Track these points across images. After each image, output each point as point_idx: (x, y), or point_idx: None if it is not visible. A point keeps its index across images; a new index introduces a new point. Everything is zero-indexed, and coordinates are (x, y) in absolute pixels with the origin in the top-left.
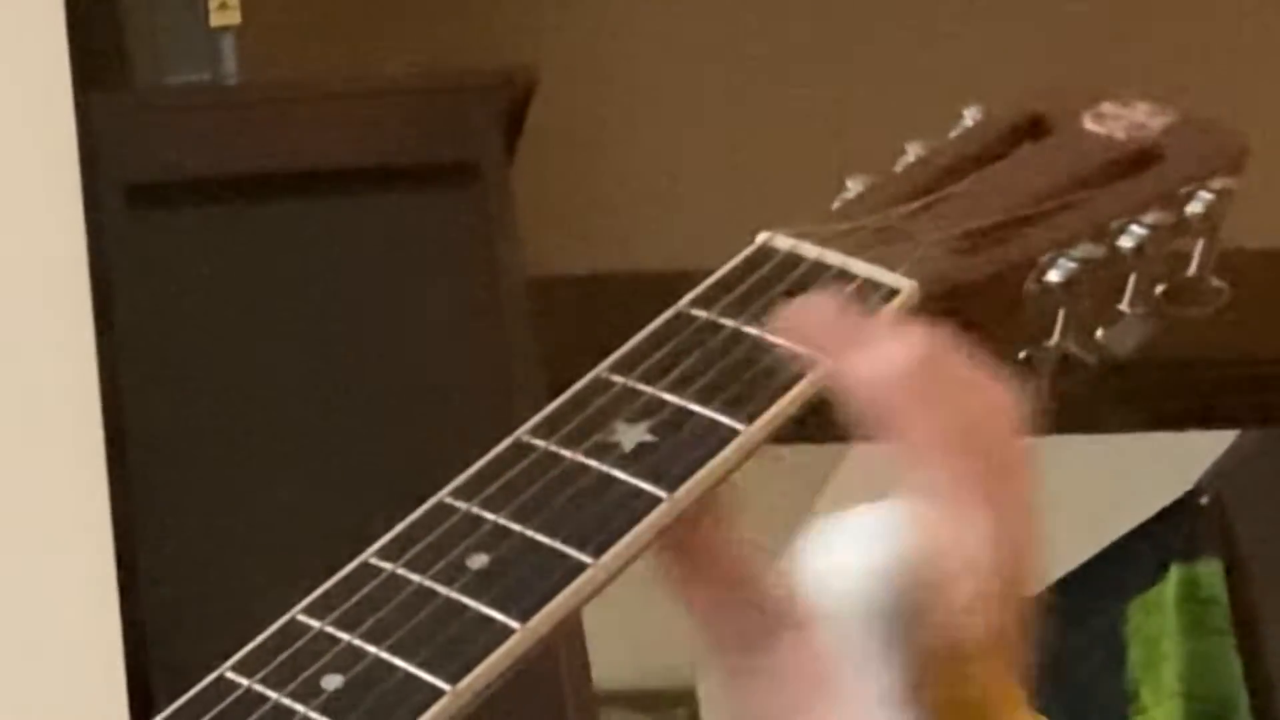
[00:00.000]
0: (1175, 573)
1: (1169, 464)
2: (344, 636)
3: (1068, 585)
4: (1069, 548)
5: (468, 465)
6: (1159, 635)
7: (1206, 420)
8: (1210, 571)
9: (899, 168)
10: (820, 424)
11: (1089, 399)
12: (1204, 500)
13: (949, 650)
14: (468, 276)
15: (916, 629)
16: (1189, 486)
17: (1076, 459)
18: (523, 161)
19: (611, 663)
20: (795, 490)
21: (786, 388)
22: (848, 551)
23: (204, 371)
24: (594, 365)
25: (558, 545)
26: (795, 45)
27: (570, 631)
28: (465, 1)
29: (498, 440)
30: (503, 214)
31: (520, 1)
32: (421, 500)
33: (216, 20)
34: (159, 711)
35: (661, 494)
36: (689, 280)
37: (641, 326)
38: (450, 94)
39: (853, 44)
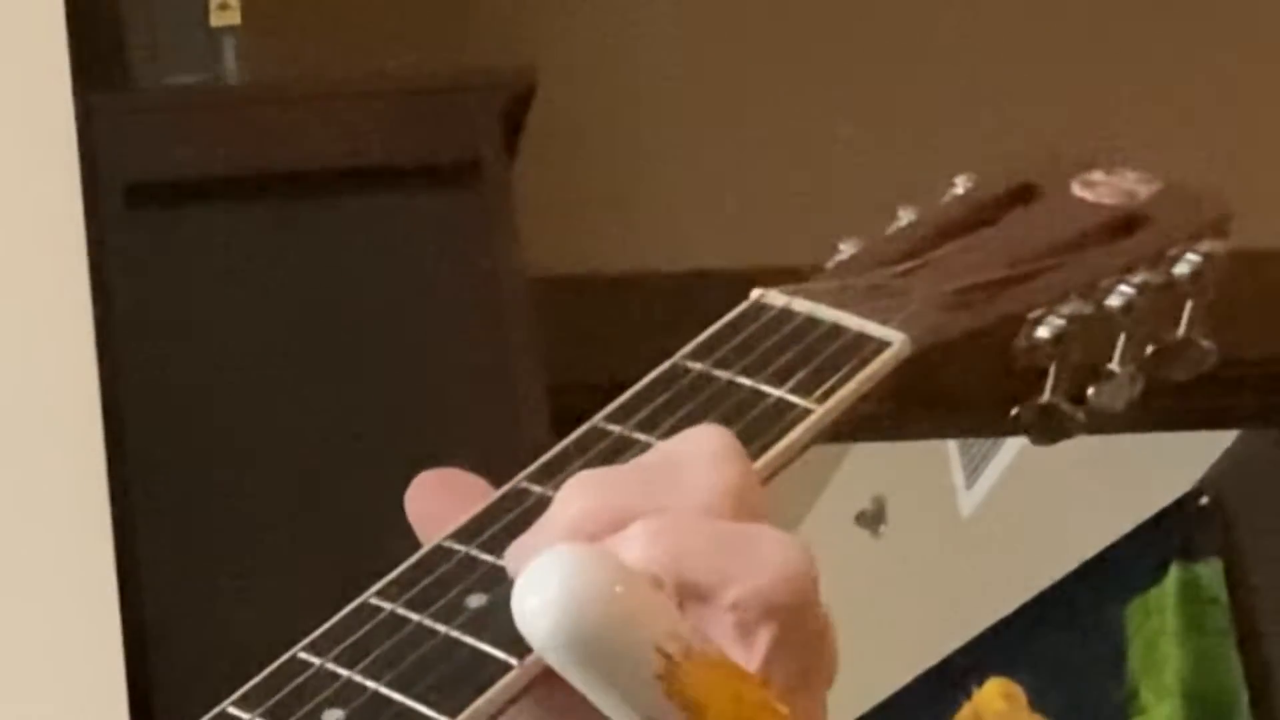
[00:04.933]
0: (1175, 573)
1: (1169, 464)
2: (344, 672)
3: (1068, 585)
4: (1069, 548)
5: (467, 463)
6: (1159, 635)
7: (1206, 420)
8: (1210, 571)
9: (891, 231)
10: None
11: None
12: (1204, 500)
13: (649, 676)
14: (468, 276)
15: (605, 653)
16: (1189, 486)
17: (1077, 459)
18: (523, 161)
19: None
20: (796, 491)
21: (781, 435)
22: (528, 594)
23: (204, 371)
24: (594, 365)
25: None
26: (796, 46)
27: None
28: (465, 1)
29: (498, 439)
30: (503, 214)
31: (520, 1)
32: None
33: (216, 20)
34: (158, 714)
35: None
36: (689, 280)
37: (641, 326)
38: (450, 94)
39: (854, 45)
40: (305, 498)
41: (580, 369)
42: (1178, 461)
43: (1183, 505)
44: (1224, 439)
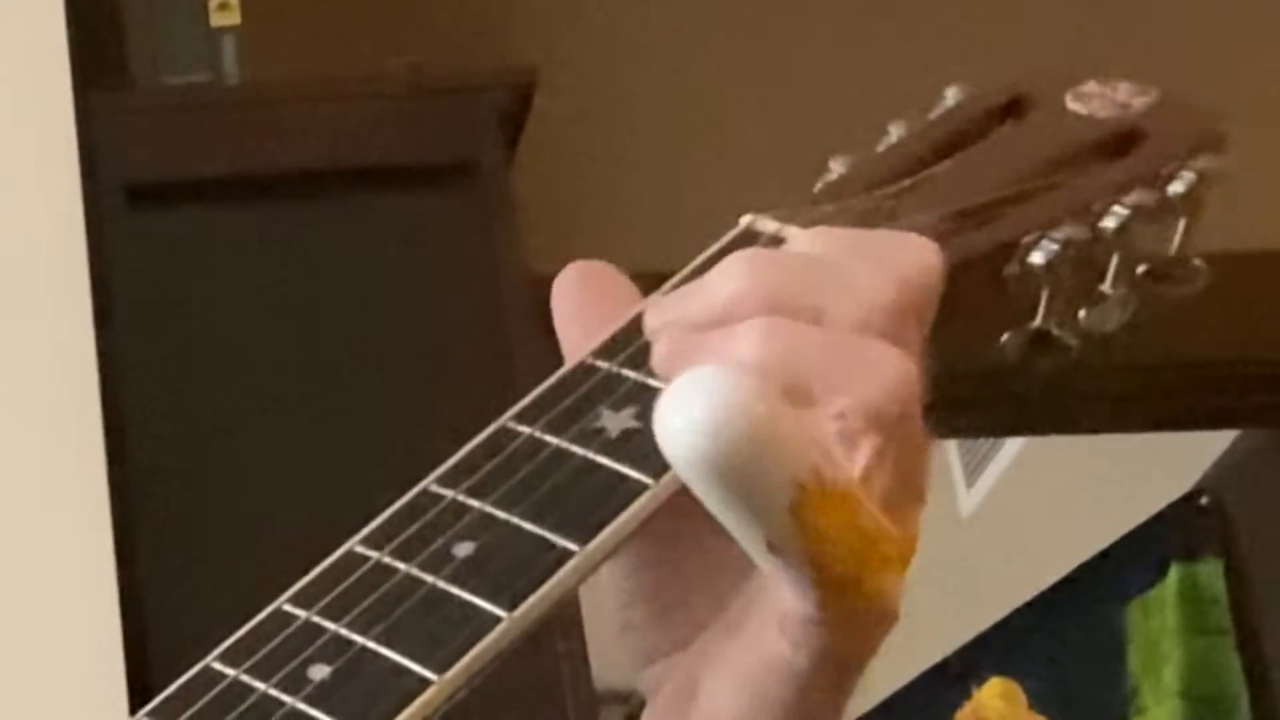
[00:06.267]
0: (1175, 573)
1: (1169, 464)
2: (330, 626)
3: (1068, 585)
4: (1069, 548)
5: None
6: (1159, 635)
7: (1206, 420)
8: (1210, 571)
9: (881, 148)
10: None
11: (1091, 399)
12: (1204, 500)
13: (797, 492)
14: (468, 276)
15: (745, 478)
16: (1189, 486)
17: (1077, 459)
18: (523, 161)
19: (611, 663)
20: None
21: None
22: (672, 415)
23: (204, 371)
24: None
25: (543, 532)
26: (796, 47)
27: (570, 630)
28: (465, 1)
29: None
30: (503, 214)
31: (520, 1)
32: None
33: (216, 20)
34: None
35: (648, 480)
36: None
37: None
38: (450, 94)
39: (855, 44)
40: (304, 497)
41: None
42: (1178, 461)
43: (1183, 505)
44: (1224, 439)
